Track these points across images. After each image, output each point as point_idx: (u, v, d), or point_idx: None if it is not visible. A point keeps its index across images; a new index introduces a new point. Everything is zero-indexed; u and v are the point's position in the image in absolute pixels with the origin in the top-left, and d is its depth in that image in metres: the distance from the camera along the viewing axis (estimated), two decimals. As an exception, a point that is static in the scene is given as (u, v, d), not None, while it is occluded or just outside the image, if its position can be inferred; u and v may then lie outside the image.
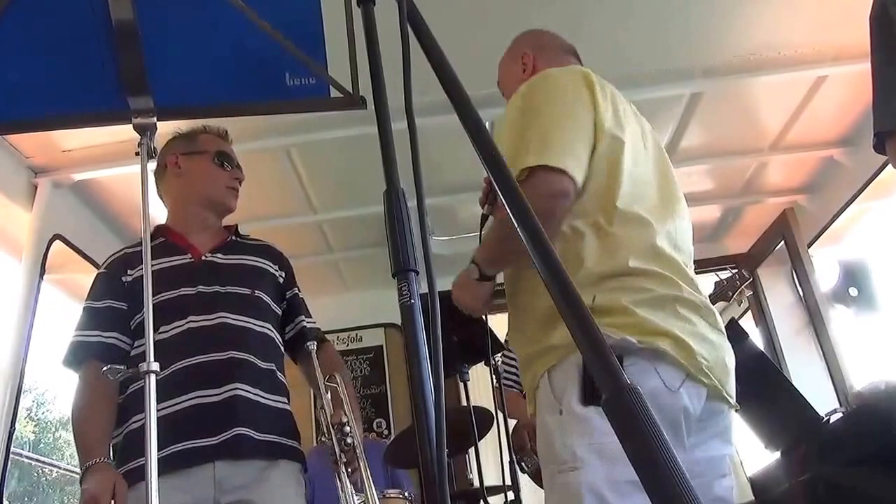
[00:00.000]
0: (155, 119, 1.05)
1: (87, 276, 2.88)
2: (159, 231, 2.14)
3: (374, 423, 4.47)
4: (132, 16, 0.94)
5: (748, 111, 3.74)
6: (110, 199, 3.65)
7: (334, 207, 4.00)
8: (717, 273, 3.54)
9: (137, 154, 1.10)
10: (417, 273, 0.98)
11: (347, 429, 1.86)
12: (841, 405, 4.04)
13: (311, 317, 2.28)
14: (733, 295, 3.17)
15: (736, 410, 1.60)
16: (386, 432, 4.45)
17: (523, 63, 1.98)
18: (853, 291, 4.44)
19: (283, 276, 2.23)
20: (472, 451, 3.31)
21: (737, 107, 3.68)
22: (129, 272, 2.04)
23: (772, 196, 4.46)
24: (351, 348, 4.63)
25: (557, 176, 1.51)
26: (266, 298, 2.11)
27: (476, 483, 3.35)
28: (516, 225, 0.84)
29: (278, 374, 2.08)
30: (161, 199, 2.23)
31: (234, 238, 2.21)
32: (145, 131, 1.07)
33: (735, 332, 2.59)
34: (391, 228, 0.99)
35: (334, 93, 1.09)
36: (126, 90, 1.00)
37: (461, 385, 2.99)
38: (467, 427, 3.06)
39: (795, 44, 3.23)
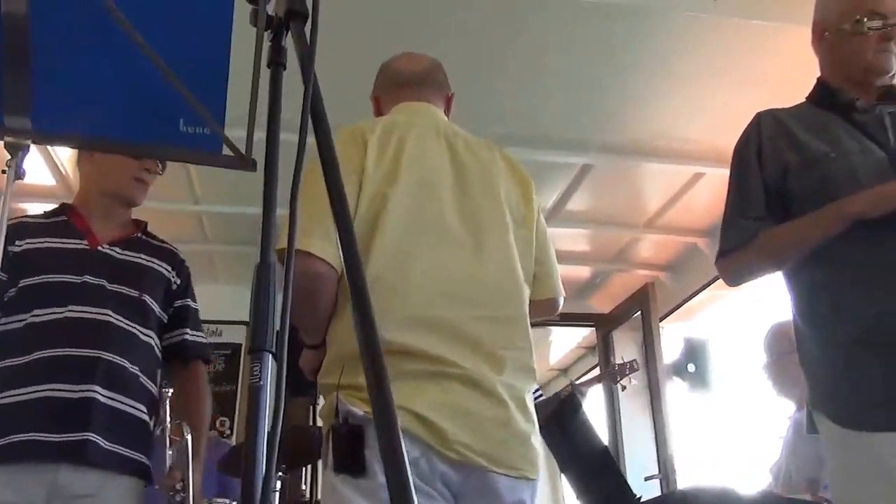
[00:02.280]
0: (29, 142, 1.01)
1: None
2: (64, 209, 2.05)
3: (218, 420, 4.38)
4: (26, 37, 0.92)
5: (632, 189, 3.99)
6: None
7: (217, 201, 3.91)
8: (616, 359, 3.75)
9: (4, 172, 1.06)
10: (273, 354, 0.99)
11: (178, 498, 1.79)
12: (660, 471, 4.36)
13: (200, 331, 2.18)
14: (620, 380, 3.38)
15: (529, 479, 1.51)
16: (228, 432, 4.38)
17: (374, 106, 1.89)
18: (691, 368, 4.80)
19: (178, 283, 2.13)
20: (308, 467, 3.37)
21: (623, 183, 3.92)
22: (17, 242, 1.92)
23: (638, 268, 4.75)
24: (208, 341, 4.51)
25: (306, 259, 1.44)
26: (151, 303, 2.02)
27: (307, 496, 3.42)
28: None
29: (147, 381, 1.97)
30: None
31: (139, 235, 2.12)
32: (16, 151, 1.03)
33: (569, 404, 2.74)
34: (255, 305, 1.00)
35: (227, 150, 1.10)
36: (5, 107, 0.97)
37: (311, 407, 3.03)
38: (310, 445, 3.11)
39: (686, 139, 3.47)
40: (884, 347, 1.47)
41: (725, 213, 1.73)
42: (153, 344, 2.01)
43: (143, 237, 2.13)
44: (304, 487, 3.70)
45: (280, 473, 3.18)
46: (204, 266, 4.56)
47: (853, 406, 1.49)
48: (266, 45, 1.15)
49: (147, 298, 2.00)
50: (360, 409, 1.38)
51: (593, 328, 5.30)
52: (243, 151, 1.09)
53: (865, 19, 1.63)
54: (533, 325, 4.92)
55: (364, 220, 1.51)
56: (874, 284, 1.52)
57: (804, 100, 1.79)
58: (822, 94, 1.74)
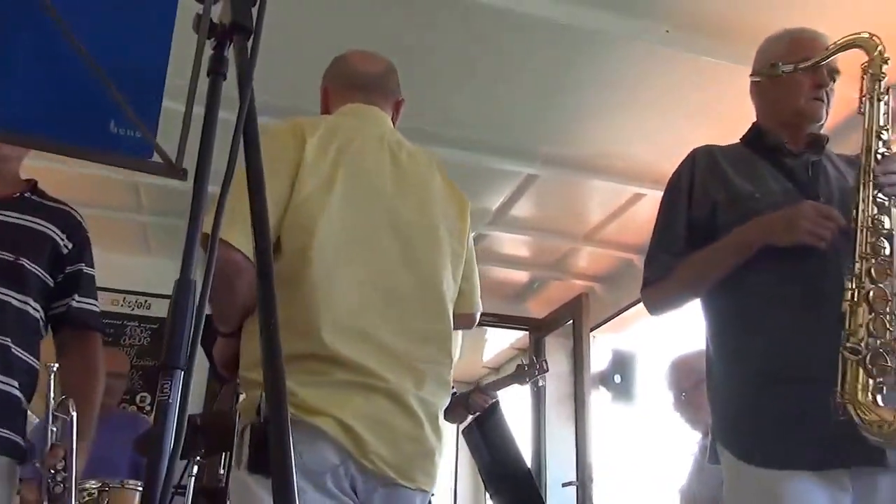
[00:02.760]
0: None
1: None
2: None
3: (139, 396, 4.30)
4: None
5: (575, 201, 4.06)
6: None
7: (156, 173, 3.82)
8: (522, 359, 3.78)
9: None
10: (184, 370, 0.98)
11: (60, 478, 1.71)
12: (577, 478, 4.46)
13: (91, 298, 2.02)
14: (528, 381, 3.41)
15: (424, 492, 1.55)
16: (148, 408, 4.30)
17: (322, 96, 1.86)
18: (617, 379, 4.90)
19: (70, 247, 1.97)
20: (228, 453, 3.33)
21: (566, 195, 3.99)
22: None
23: (574, 278, 4.84)
24: (136, 314, 4.43)
25: (226, 249, 1.41)
26: (32, 267, 1.87)
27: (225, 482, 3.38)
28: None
29: (21, 353, 1.84)
30: None
31: (27, 195, 1.97)
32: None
33: (490, 413, 2.79)
34: (171, 321, 0.99)
35: (158, 156, 1.08)
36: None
37: (236, 394, 3.00)
38: (232, 431, 3.09)
39: (630, 160, 3.55)
40: (785, 384, 1.53)
41: (650, 246, 1.79)
42: (31, 312, 1.86)
43: (33, 197, 1.98)
44: (221, 473, 3.65)
45: (198, 458, 3.15)
46: (137, 237, 4.47)
47: (752, 441, 1.55)
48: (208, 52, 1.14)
49: (25, 262, 1.85)
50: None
51: (527, 332, 5.38)
52: (174, 159, 1.08)
53: (780, 63, 1.70)
54: None
55: (302, 227, 1.51)
56: (780, 320, 1.58)
57: (739, 140, 1.85)
58: (755, 137, 1.81)
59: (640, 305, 4.67)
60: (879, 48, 1.63)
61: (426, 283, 1.60)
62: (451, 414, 3.58)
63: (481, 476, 2.91)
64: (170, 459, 0.94)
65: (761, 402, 1.56)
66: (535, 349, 5.29)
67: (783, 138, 1.74)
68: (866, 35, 1.64)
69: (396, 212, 1.62)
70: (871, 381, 1.39)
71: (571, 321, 4.92)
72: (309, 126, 1.60)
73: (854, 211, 1.53)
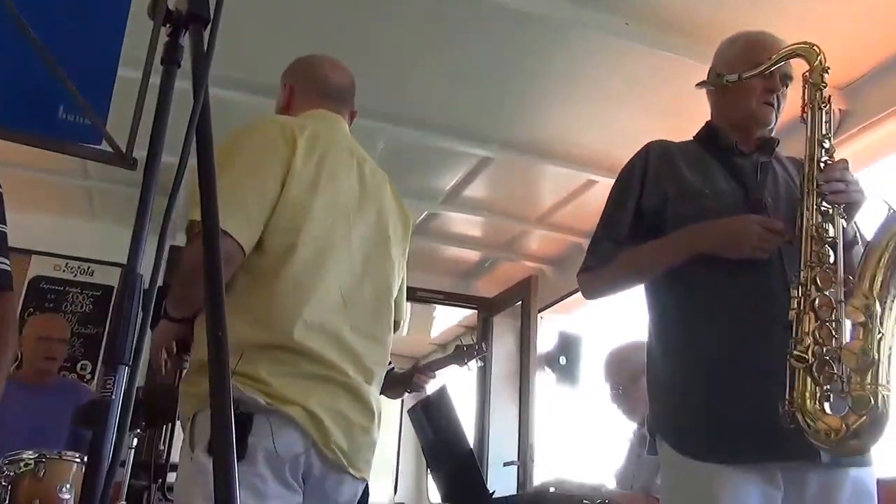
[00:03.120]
0: None
1: None
2: None
3: (80, 364, 4.22)
4: None
5: (528, 185, 4.09)
6: None
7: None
8: (461, 338, 3.80)
9: None
10: (128, 366, 0.98)
11: None
12: (519, 458, 4.55)
13: (5, 257, 1.94)
14: (467, 362, 3.44)
15: (364, 480, 1.65)
16: (89, 376, 4.23)
17: (286, 94, 1.90)
18: (562, 360, 4.99)
19: None
20: (168, 425, 3.34)
21: (520, 179, 4.01)
22: None
23: (525, 259, 4.89)
24: (78, 279, 4.33)
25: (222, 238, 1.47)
26: None
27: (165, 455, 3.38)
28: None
29: None
30: None
31: None
32: None
33: (437, 397, 2.82)
34: (116, 315, 0.98)
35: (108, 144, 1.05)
36: None
37: (178, 372, 2.98)
38: (173, 405, 3.08)
39: (584, 147, 3.58)
40: (726, 380, 1.56)
41: (596, 231, 1.82)
42: None
43: None
44: (162, 447, 3.64)
45: (138, 431, 3.12)
46: (82, 201, 4.35)
47: (690, 434, 1.59)
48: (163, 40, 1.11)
49: None
50: (257, 398, 1.46)
51: (476, 310, 5.43)
52: (123, 148, 1.05)
53: (725, 73, 1.74)
54: (420, 300, 5.01)
55: (287, 229, 1.58)
56: (725, 316, 1.61)
57: (692, 137, 1.89)
58: (708, 135, 1.84)
59: (588, 290, 4.77)
60: (820, 58, 1.65)
61: (380, 293, 1.73)
62: (390, 390, 3.61)
63: (424, 455, 2.96)
64: (112, 457, 0.94)
65: (701, 396, 1.60)
66: (483, 328, 5.35)
67: (735, 139, 1.78)
68: (807, 45, 1.66)
69: (358, 225, 1.72)
70: (818, 389, 1.42)
71: (520, 302, 4.97)
72: (297, 128, 1.66)
73: (799, 219, 1.56)
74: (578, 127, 3.44)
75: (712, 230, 1.63)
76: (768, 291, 1.59)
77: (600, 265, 1.76)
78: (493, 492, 2.44)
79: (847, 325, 1.46)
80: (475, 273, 5.25)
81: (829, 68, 1.65)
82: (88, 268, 4.36)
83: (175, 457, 3.23)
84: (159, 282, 1.03)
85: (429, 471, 2.86)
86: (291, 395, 1.49)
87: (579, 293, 5.04)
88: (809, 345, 1.44)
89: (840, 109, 2.89)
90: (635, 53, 2.82)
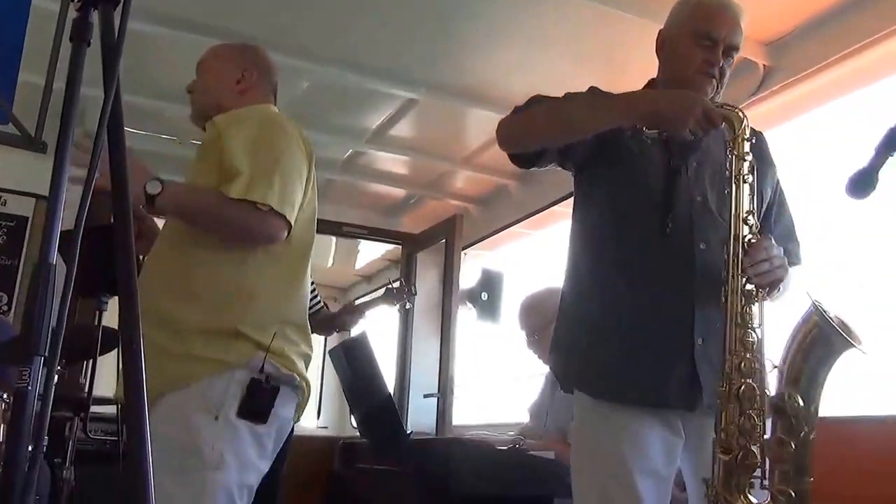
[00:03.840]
0: None
1: None
2: None
3: (-5, 295, 4.11)
4: None
5: (454, 127, 4.10)
6: None
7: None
8: (392, 281, 3.86)
9: None
10: (44, 357, 0.99)
11: None
12: (439, 390, 4.70)
13: None
14: (397, 303, 3.53)
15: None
16: (6, 308, 4.13)
17: (244, 76, 1.94)
18: (484, 296, 5.12)
19: None
20: (88, 362, 3.35)
21: (446, 120, 4.01)
22: None
23: (450, 198, 4.94)
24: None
25: (280, 222, 1.68)
26: None
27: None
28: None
29: None
30: None
31: None
32: None
33: (357, 343, 2.89)
34: (28, 307, 0.99)
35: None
36: None
37: (97, 312, 2.99)
38: (90, 343, 3.11)
39: (512, 92, 3.57)
40: (638, 330, 1.64)
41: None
42: None
43: None
44: (83, 381, 3.64)
45: (59, 368, 3.11)
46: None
47: (600, 377, 1.67)
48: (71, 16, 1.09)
49: None
50: (285, 371, 1.69)
51: (400, 246, 5.48)
52: (31, 132, 1.03)
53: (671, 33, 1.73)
54: (346, 234, 5.11)
55: (305, 230, 1.82)
56: (642, 271, 1.67)
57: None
58: None
59: (512, 228, 4.88)
60: (744, 124, 1.58)
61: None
62: (320, 329, 3.69)
63: (345, 395, 3.05)
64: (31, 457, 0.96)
65: (614, 340, 1.67)
66: (407, 263, 5.42)
67: None
68: (733, 110, 1.58)
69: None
70: (742, 479, 1.47)
71: (444, 240, 5.04)
72: (306, 139, 1.85)
73: (724, 302, 1.55)
74: (506, 71, 3.43)
75: (658, 96, 1.63)
76: (685, 250, 1.65)
77: (526, 107, 1.69)
78: (411, 432, 2.55)
79: (770, 418, 1.50)
80: (401, 209, 5.28)
81: (752, 138, 1.58)
82: (1, 198, 4.19)
83: (100, 392, 3.26)
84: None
85: (350, 411, 2.95)
86: (300, 371, 1.72)
87: (503, 232, 5.15)
88: (734, 434, 1.48)
89: (765, 65, 2.97)
90: (573, 3, 2.82)
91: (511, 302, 5.06)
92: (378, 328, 4.77)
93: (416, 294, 3.79)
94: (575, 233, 1.81)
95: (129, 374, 0.95)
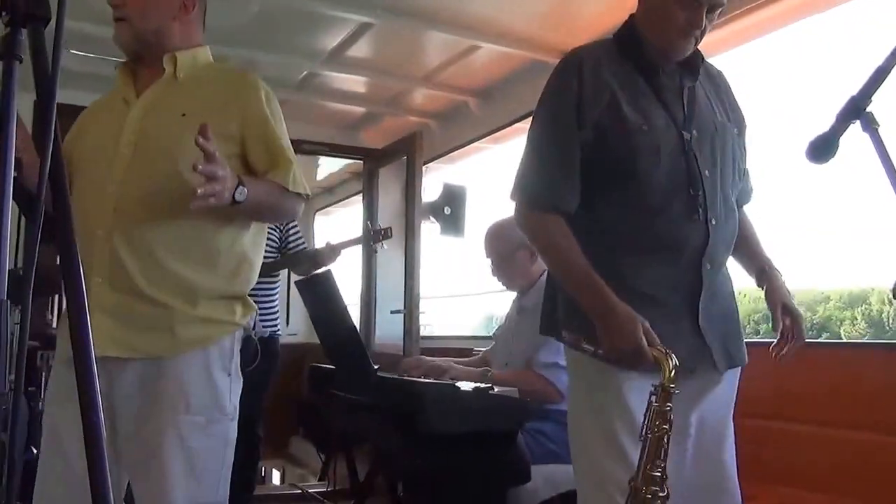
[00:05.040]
0: None
1: None
2: None
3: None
4: None
5: (412, 48, 4.00)
6: None
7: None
8: (370, 224, 3.93)
9: None
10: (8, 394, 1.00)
11: None
12: (405, 307, 4.79)
13: None
14: (373, 245, 3.67)
15: None
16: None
17: (184, 4, 1.82)
18: (447, 210, 5.14)
19: None
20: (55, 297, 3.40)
21: (404, 42, 3.91)
22: None
23: (410, 115, 4.88)
24: None
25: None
26: None
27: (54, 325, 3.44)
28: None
29: None
30: None
31: None
32: None
33: (322, 279, 2.93)
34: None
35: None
36: None
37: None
38: (57, 279, 3.13)
39: (468, 14, 3.50)
40: (637, 300, 1.64)
41: (540, 159, 1.74)
42: None
43: None
44: (50, 317, 3.69)
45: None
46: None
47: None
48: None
49: None
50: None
51: (362, 161, 5.44)
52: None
53: None
54: (306, 152, 5.09)
55: None
56: (645, 247, 1.69)
57: (611, 37, 1.82)
58: (631, 44, 1.76)
59: (474, 144, 4.83)
60: (671, 374, 1.54)
61: None
62: (300, 267, 3.76)
63: (313, 323, 3.11)
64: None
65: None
66: (369, 179, 5.39)
67: (655, 54, 1.73)
68: (663, 354, 1.56)
69: None
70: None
71: (406, 156, 5.01)
72: None
73: None
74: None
75: (611, 320, 1.61)
76: (692, 227, 1.69)
77: (550, 211, 1.70)
78: (378, 368, 2.64)
79: None
80: (361, 125, 5.21)
81: (673, 386, 1.54)
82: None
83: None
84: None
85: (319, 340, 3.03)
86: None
87: (464, 148, 5.14)
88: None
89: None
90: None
91: (474, 216, 5.12)
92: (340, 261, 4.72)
93: (391, 237, 3.90)
94: (583, 209, 1.74)
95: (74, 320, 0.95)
